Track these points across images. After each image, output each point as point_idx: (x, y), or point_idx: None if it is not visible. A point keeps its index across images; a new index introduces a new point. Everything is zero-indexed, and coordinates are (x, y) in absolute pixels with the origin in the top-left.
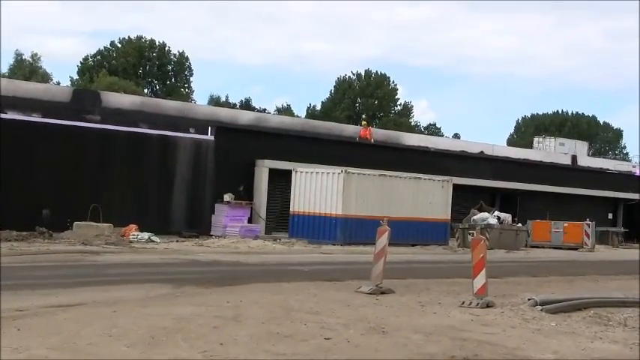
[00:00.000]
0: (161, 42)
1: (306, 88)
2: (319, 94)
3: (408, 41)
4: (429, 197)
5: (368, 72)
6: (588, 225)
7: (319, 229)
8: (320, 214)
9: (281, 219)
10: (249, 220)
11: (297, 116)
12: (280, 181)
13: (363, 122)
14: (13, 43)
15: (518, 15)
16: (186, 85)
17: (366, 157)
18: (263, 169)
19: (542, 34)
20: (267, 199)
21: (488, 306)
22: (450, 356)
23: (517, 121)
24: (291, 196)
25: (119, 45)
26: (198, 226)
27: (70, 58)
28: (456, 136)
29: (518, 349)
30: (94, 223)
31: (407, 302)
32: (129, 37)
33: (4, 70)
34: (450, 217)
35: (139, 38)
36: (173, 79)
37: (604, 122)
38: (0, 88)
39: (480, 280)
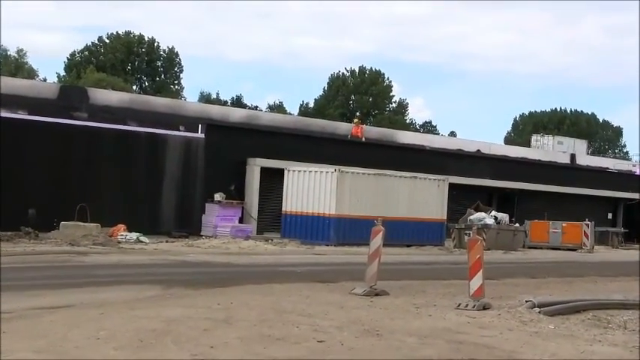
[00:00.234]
0: (150, 37)
1: (298, 84)
2: (312, 91)
3: (404, 37)
4: (425, 197)
5: (362, 68)
6: (587, 225)
7: (312, 229)
8: (313, 213)
9: (273, 219)
10: (241, 220)
11: (290, 114)
12: (272, 180)
13: (356, 120)
14: None
15: (517, 10)
16: (176, 82)
17: (360, 156)
18: (255, 167)
19: (540, 30)
20: (259, 198)
21: (485, 308)
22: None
23: (515, 119)
24: (284, 196)
25: (107, 40)
26: (188, 226)
27: (57, 53)
28: (453, 134)
29: (515, 352)
30: (82, 223)
31: (402, 304)
32: (117, 32)
33: None
34: (445, 217)
35: (128, 33)
36: (162, 76)
37: (603, 120)
38: (0, 87)
39: (476, 282)
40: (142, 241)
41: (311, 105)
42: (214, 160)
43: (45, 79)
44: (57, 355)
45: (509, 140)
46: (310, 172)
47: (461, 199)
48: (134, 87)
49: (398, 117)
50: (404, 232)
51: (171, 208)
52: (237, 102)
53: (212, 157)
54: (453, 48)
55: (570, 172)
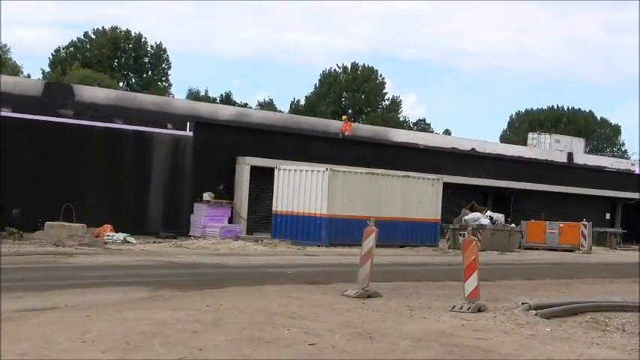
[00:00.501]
0: (137, 33)
1: (289, 81)
2: (303, 88)
3: (397, 33)
4: (419, 196)
5: (355, 65)
6: (585, 225)
7: (303, 229)
8: (304, 213)
9: (263, 219)
10: (230, 220)
11: (280, 111)
12: (262, 180)
13: (345, 117)
14: None
15: (513, 6)
16: (163, 79)
17: (352, 155)
18: (244, 166)
19: (537, 26)
20: (249, 198)
21: (480, 310)
22: None
23: (511, 117)
24: (274, 195)
25: (93, 36)
26: (176, 226)
27: (42, 49)
28: (447, 132)
29: (511, 356)
30: (67, 223)
31: (395, 306)
32: (103, 27)
33: None
34: (440, 218)
35: (114, 29)
36: (150, 72)
37: (601, 118)
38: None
39: (471, 284)
40: (129, 242)
41: (302, 102)
42: (203, 159)
43: (29, 76)
44: (42, 359)
45: (505, 138)
46: (301, 171)
47: (455, 199)
48: (121, 84)
49: (391, 115)
50: (397, 232)
51: (158, 208)
52: (227, 99)
53: (201, 156)
54: (447, 44)
55: (567, 171)
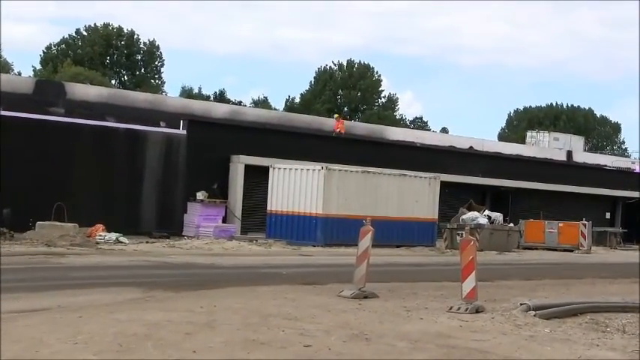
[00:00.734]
0: (129, 30)
1: (284, 79)
2: (298, 86)
3: (393, 29)
4: (415, 195)
5: (350, 62)
6: (585, 225)
7: (298, 229)
8: (299, 213)
9: (258, 219)
10: (224, 220)
11: (275, 109)
12: (257, 179)
13: (336, 115)
14: None
15: (511, 0)
16: (156, 76)
17: (348, 153)
18: (239, 165)
19: (535, 21)
20: (243, 197)
21: (478, 311)
22: None
23: (509, 115)
24: (269, 195)
25: (85, 33)
26: (170, 226)
27: (33, 46)
28: (444, 130)
29: (509, 357)
30: (58, 223)
31: (391, 307)
32: (95, 24)
33: None
34: (437, 217)
35: (106, 26)
36: (142, 70)
37: (601, 116)
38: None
39: (469, 284)
40: (121, 242)
41: (297, 100)
42: (196, 158)
43: (20, 73)
44: None
45: (503, 137)
46: (296, 169)
47: (453, 198)
48: (113, 81)
49: (387, 112)
50: (394, 232)
51: (151, 208)
52: (220, 97)
53: (194, 155)
54: (444, 40)
55: (567, 169)
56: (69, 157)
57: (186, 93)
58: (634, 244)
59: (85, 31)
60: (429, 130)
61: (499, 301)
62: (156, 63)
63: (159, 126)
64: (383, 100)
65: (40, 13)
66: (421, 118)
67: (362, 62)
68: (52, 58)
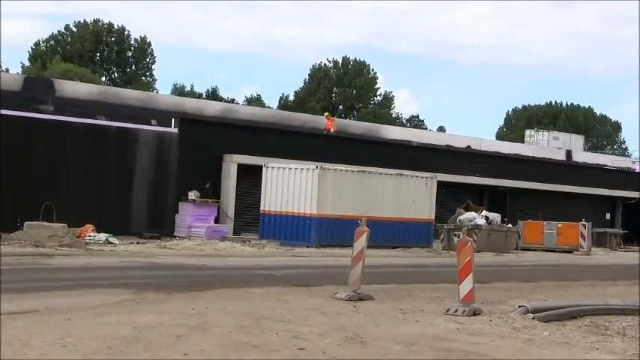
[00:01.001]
0: (120, 26)
1: (278, 76)
2: (292, 83)
3: (389, 26)
4: (412, 195)
5: (345, 59)
6: (584, 226)
7: (292, 229)
8: (293, 213)
9: (251, 219)
10: (216, 220)
11: (269, 107)
12: (250, 178)
13: (326, 113)
14: None
15: None
16: (147, 73)
17: (343, 152)
18: (231, 164)
19: (534, 18)
20: (236, 197)
21: (475, 314)
22: None
23: (507, 113)
24: (262, 194)
25: (74, 29)
26: (161, 226)
27: (21, 42)
28: (441, 129)
29: None
30: (47, 223)
31: (387, 309)
32: (85, 20)
33: None
34: (434, 217)
35: (96, 22)
36: (133, 67)
37: (601, 114)
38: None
39: (466, 286)
40: (111, 243)
41: (291, 98)
42: (188, 157)
43: (7, 70)
44: None
45: (501, 136)
46: (290, 169)
47: (450, 198)
48: (103, 78)
49: (383, 111)
50: (389, 232)
51: (142, 208)
52: (213, 94)
53: (186, 153)
54: (441, 37)
55: (566, 169)
56: (58, 155)
57: (178, 90)
58: (634, 246)
59: (75, 27)
60: (426, 128)
61: (497, 303)
62: (147, 60)
63: (150, 124)
64: (379, 98)
65: (28, 9)
66: (418, 116)
67: (357, 59)
68: (41, 54)
